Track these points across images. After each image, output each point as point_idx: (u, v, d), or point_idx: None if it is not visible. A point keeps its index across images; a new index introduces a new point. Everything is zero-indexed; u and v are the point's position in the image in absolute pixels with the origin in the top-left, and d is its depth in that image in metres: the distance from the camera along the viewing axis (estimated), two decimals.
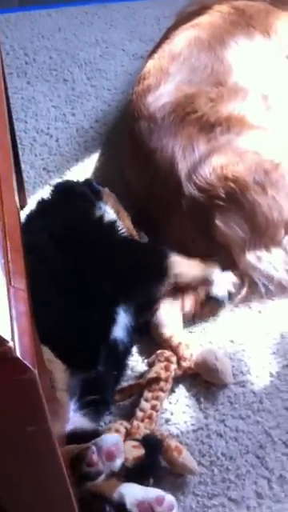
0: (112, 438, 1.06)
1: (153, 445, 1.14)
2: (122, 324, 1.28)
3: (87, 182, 1.53)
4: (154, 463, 1.14)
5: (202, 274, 1.38)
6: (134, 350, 1.37)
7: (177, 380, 1.30)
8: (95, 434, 1.10)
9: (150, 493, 1.05)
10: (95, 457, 1.03)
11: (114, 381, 1.26)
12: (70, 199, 1.43)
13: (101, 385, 1.21)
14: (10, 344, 0.65)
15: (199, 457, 1.22)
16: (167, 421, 1.27)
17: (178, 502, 1.16)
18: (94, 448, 1.03)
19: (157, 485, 1.16)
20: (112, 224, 1.38)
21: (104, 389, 1.22)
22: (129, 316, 1.30)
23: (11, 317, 0.68)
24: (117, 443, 1.05)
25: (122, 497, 1.02)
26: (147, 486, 1.11)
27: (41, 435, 0.74)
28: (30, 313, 0.72)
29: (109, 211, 1.42)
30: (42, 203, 1.48)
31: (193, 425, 1.26)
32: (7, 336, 0.66)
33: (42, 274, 1.23)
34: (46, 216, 1.40)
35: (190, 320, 1.40)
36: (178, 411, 1.28)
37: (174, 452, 1.17)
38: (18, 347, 0.66)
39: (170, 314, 1.38)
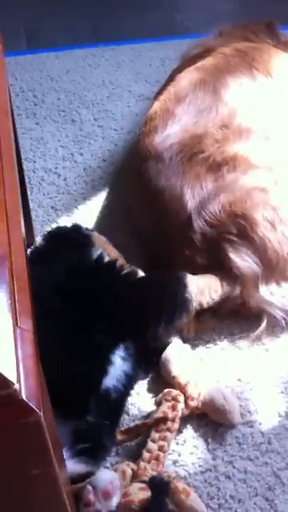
0: (107, 476, 1.04)
1: (160, 487, 1.13)
2: (116, 373, 1.26)
3: (76, 227, 1.53)
4: (161, 506, 1.12)
5: (222, 290, 1.37)
6: (142, 388, 1.36)
7: (184, 420, 1.29)
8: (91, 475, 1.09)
9: None
10: (92, 496, 1.01)
11: (109, 426, 1.23)
12: (65, 246, 1.43)
13: (93, 433, 1.19)
14: (16, 386, 0.65)
15: (207, 499, 1.20)
16: (175, 462, 1.25)
17: None
18: (89, 488, 1.01)
19: None
20: (112, 264, 1.37)
21: (97, 437, 1.20)
22: (128, 362, 1.28)
23: (17, 358, 0.69)
24: (112, 481, 1.03)
25: None
26: None
27: (46, 479, 0.73)
28: (36, 354, 0.72)
29: (103, 255, 1.42)
30: (37, 249, 1.49)
31: (200, 466, 1.24)
32: (13, 378, 0.66)
33: (41, 322, 1.22)
34: (45, 263, 1.39)
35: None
36: (185, 452, 1.26)
37: (181, 494, 1.15)
38: (24, 389, 0.66)
39: (179, 352, 1.37)
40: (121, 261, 1.43)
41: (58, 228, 1.57)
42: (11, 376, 0.66)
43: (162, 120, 1.58)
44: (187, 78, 1.69)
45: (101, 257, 1.39)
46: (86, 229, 1.53)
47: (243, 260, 1.38)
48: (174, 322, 1.33)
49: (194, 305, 1.35)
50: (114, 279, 1.34)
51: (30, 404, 0.66)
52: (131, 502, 1.07)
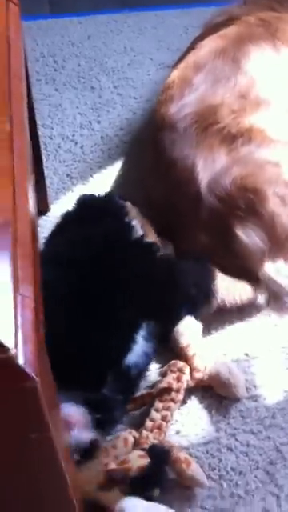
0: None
1: (159, 455, 1.14)
2: (139, 351, 1.27)
3: (110, 195, 1.54)
4: (160, 473, 1.13)
5: (250, 296, 1.38)
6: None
7: (189, 391, 1.30)
8: (95, 444, 1.10)
9: (152, 508, 1.04)
10: None
11: (122, 401, 1.25)
12: (100, 214, 1.43)
13: (106, 406, 1.21)
14: (13, 351, 0.66)
15: (208, 470, 1.21)
16: (178, 432, 1.26)
17: None
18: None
19: (163, 497, 1.16)
20: (151, 245, 1.37)
21: (110, 409, 1.22)
22: (149, 343, 1.30)
23: (16, 324, 0.69)
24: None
25: (123, 511, 1.02)
26: (152, 496, 1.10)
27: (42, 443, 0.74)
28: (36, 321, 0.72)
29: (137, 227, 1.42)
30: (69, 214, 1.49)
31: (203, 437, 1.26)
32: (10, 343, 0.66)
33: (70, 288, 1.24)
34: (79, 230, 1.40)
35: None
36: (189, 423, 1.27)
37: (182, 464, 1.17)
38: (21, 355, 0.67)
39: (189, 324, 1.37)
40: (152, 235, 1.44)
41: (92, 195, 1.56)
42: (9, 341, 0.66)
43: (179, 89, 1.55)
44: (208, 46, 1.66)
45: (140, 235, 1.39)
46: (120, 197, 1.52)
47: (249, 238, 1.36)
48: (197, 309, 1.35)
49: (218, 300, 1.35)
50: (150, 260, 1.35)
51: (27, 370, 0.66)
52: (129, 469, 1.09)
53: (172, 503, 1.16)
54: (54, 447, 0.76)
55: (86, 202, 1.51)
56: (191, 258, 1.40)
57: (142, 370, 1.31)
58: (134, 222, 1.42)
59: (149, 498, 1.09)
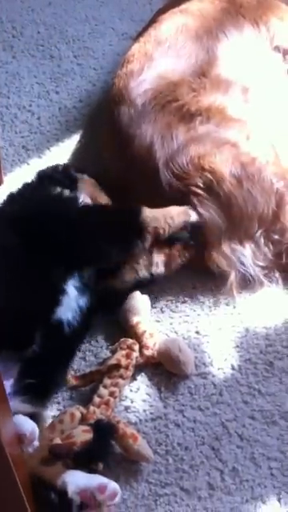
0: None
1: (103, 429, 1.15)
2: (71, 305, 1.27)
3: (65, 167, 1.52)
4: (104, 448, 1.15)
5: (182, 219, 1.37)
6: (99, 335, 1.38)
7: (139, 368, 1.31)
8: (36, 417, 1.11)
9: (93, 480, 1.06)
10: None
11: (59, 363, 1.24)
12: (43, 185, 1.42)
13: (42, 368, 1.20)
14: None
15: (155, 445, 1.23)
16: (127, 408, 1.28)
17: (130, 489, 1.18)
18: None
19: (110, 471, 1.18)
20: (72, 198, 1.37)
21: (46, 372, 1.21)
22: (84, 297, 1.29)
23: None
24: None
25: (64, 484, 1.03)
26: (96, 470, 1.12)
27: None
28: None
29: (83, 198, 1.41)
30: (24, 187, 1.47)
31: (151, 413, 1.28)
32: None
33: None
34: (15, 201, 1.40)
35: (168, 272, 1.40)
36: (137, 399, 1.29)
37: (129, 439, 1.19)
38: None
39: (139, 302, 1.38)
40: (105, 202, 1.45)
41: (50, 167, 1.54)
42: None
43: (139, 63, 1.54)
44: (170, 21, 1.64)
45: (61, 191, 1.39)
46: (76, 170, 1.51)
47: (208, 212, 1.37)
48: (128, 247, 1.35)
49: (149, 230, 1.34)
50: (67, 209, 1.35)
51: None
52: (73, 444, 1.10)
53: (118, 477, 1.19)
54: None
55: (40, 174, 1.49)
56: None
57: (78, 330, 1.29)
58: (81, 193, 1.43)
59: (93, 472, 1.11)
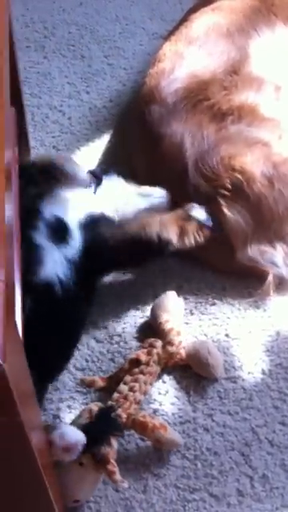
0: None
1: (104, 414, 1.14)
2: (55, 259, 1.18)
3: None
4: (102, 431, 1.12)
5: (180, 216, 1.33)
6: (129, 337, 1.36)
7: (167, 371, 1.30)
8: None
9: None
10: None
11: (61, 336, 1.19)
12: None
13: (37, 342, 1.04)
14: None
15: (184, 450, 1.22)
16: (155, 411, 1.26)
17: (158, 494, 1.17)
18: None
19: (138, 475, 1.17)
20: None
21: (43, 349, 1.12)
22: (66, 248, 1.21)
23: None
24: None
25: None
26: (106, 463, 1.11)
27: (11, 427, 0.74)
28: (7, 305, 0.71)
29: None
30: None
31: (180, 417, 1.26)
32: None
33: None
34: None
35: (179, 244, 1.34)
36: (166, 402, 1.27)
37: (160, 430, 1.17)
38: None
39: (172, 301, 1.36)
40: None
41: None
42: None
43: (171, 62, 1.52)
44: (201, 19, 1.62)
45: None
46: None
47: (234, 215, 1.35)
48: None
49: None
50: None
51: None
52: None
53: (146, 482, 1.18)
54: (25, 432, 0.75)
55: None
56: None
57: (73, 287, 1.20)
58: None
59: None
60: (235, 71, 1.50)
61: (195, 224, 1.34)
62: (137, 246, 1.30)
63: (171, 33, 1.67)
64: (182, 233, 1.33)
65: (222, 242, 1.37)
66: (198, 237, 1.34)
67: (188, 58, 1.52)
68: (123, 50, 2.00)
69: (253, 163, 1.36)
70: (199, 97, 1.45)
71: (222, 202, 1.36)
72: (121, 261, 1.34)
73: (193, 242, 1.34)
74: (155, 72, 1.54)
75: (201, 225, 1.34)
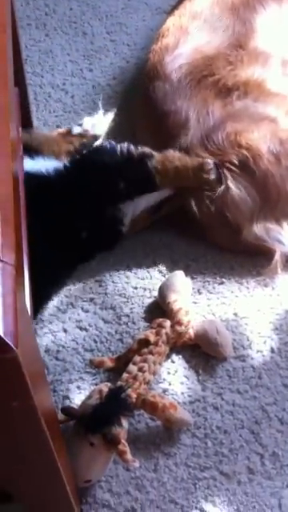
0: None
1: (114, 394, 1.14)
2: None
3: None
4: (112, 411, 1.12)
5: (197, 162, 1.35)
6: (137, 318, 1.36)
7: (176, 351, 1.30)
8: None
9: None
10: None
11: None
12: None
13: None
14: None
15: (194, 429, 1.22)
16: (165, 391, 1.26)
17: (169, 473, 1.18)
18: None
19: (148, 454, 1.17)
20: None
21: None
22: None
23: None
24: None
25: None
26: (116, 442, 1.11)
27: (25, 411, 0.74)
28: (18, 290, 0.70)
29: None
30: None
31: (190, 396, 1.26)
32: None
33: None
34: None
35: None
36: (175, 382, 1.28)
37: (170, 410, 1.18)
38: (2, 326, 0.65)
39: (180, 281, 1.36)
40: None
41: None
42: None
43: (174, 38, 1.50)
44: None
45: None
46: None
47: (240, 191, 1.33)
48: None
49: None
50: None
51: (7, 340, 0.65)
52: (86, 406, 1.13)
53: (157, 460, 1.18)
54: (37, 415, 0.75)
55: None
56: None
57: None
58: None
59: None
60: (241, 46, 1.47)
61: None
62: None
63: (175, 7, 1.64)
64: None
65: (229, 220, 1.36)
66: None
67: (192, 33, 1.50)
68: (126, 26, 1.96)
69: (259, 139, 1.34)
70: (204, 72, 1.43)
71: (228, 175, 1.35)
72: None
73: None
74: (159, 48, 1.52)
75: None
